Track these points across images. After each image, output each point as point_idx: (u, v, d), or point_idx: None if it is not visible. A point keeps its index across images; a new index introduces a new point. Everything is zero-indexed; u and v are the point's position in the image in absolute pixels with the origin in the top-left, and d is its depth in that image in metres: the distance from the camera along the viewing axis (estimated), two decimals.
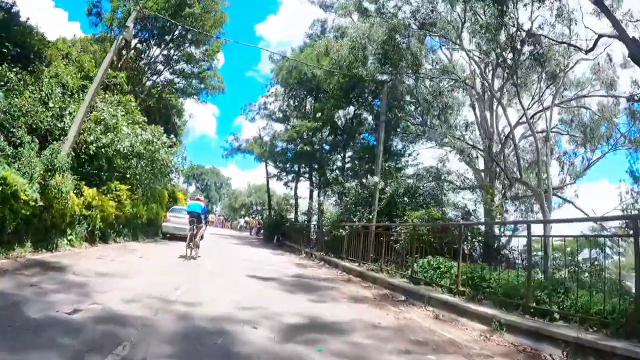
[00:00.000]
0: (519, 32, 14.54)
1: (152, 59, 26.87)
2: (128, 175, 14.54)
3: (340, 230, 12.51)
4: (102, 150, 12.81)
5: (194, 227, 11.06)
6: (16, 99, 10.43)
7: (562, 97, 18.00)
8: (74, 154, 11.40)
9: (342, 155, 22.83)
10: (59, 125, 11.79)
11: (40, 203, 7.79)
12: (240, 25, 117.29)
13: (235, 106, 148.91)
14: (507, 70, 15.30)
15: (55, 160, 9.17)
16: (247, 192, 51.76)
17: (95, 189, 11.97)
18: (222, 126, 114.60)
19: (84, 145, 12.53)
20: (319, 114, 21.10)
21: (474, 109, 20.79)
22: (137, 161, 14.48)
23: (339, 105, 21.71)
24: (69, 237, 9.80)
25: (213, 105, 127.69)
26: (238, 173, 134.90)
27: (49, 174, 8.76)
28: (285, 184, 28.92)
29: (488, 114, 18.46)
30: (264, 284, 7.64)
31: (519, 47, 14.06)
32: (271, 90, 27.34)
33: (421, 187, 14.84)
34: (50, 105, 11.69)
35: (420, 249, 9.33)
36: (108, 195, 12.54)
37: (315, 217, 26.26)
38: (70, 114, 12.29)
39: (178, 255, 11.11)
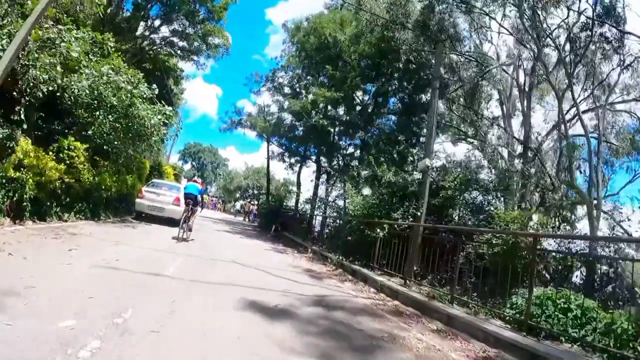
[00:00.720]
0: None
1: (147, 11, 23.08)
2: (90, 133, 10.85)
3: (377, 230, 8.89)
4: (59, 94, 9.25)
5: (190, 209, 10.58)
6: None
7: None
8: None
9: (361, 137, 19.11)
10: None
11: None
12: (249, 8, 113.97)
13: (239, 90, 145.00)
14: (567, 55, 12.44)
15: None
16: (244, 173, 47.89)
17: (34, 146, 8.39)
18: (224, 107, 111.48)
19: (30, 84, 8.85)
20: (339, 88, 17.34)
21: (505, 102, 17.48)
22: (104, 115, 10.78)
23: (364, 78, 17.96)
24: None
25: (217, 86, 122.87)
26: (236, 156, 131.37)
27: None
28: (290, 165, 25.24)
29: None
30: (271, 333, 4.04)
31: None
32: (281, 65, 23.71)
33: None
34: None
35: (517, 274, 5.87)
36: (49, 154, 8.89)
37: (320, 209, 22.78)
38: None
39: (128, 252, 7.50)
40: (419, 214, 9.19)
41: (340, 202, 20.19)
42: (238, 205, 38.49)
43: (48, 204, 8.87)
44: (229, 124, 26.33)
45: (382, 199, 10.07)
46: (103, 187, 11.51)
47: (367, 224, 9.75)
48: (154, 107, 12.05)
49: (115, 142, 11.51)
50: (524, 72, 17.50)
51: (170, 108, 12.07)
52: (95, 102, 10.45)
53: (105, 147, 11.44)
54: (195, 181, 11.63)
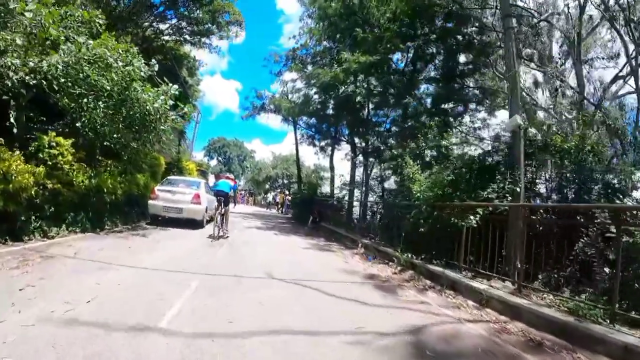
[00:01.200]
0: None
1: None
2: (80, 125, 8.77)
3: (466, 216, 6.33)
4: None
5: (222, 207, 10.00)
6: None
7: None
8: None
9: (403, 105, 16.39)
10: None
11: None
12: (259, 1, 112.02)
13: (259, 82, 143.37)
14: None
15: None
16: (272, 163, 45.83)
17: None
18: (245, 102, 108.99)
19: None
20: (373, 52, 14.62)
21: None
22: (94, 102, 8.65)
23: (401, 37, 15.14)
24: None
25: (236, 81, 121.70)
26: (262, 148, 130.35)
27: None
28: (321, 149, 22.82)
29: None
30: None
31: None
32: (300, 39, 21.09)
33: None
34: None
35: None
36: (15, 154, 6.81)
37: (358, 194, 20.34)
38: None
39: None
40: (517, 189, 6.56)
41: (386, 184, 17.71)
42: (270, 196, 36.28)
43: (24, 218, 6.82)
44: (251, 110, 24.14)
45: (458, 174, 7.46)
46: (105, 190, 9.45)
47: (441, 208, 7.22)
48: (157, 90, 9.83)
49: (115, 135, 9.40)
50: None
51: (176, 86, 9.75)
52: (82, 86, 8.32)
53: (102, 142, 9.37)
54: (227, 177, 11.31)
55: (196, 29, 22.97)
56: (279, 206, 32.59)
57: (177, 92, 9.78)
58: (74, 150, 8.38)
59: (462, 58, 16.81)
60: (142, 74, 9.13)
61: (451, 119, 17.54)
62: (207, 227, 11.95)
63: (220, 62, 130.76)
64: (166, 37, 24.84)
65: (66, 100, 8.55)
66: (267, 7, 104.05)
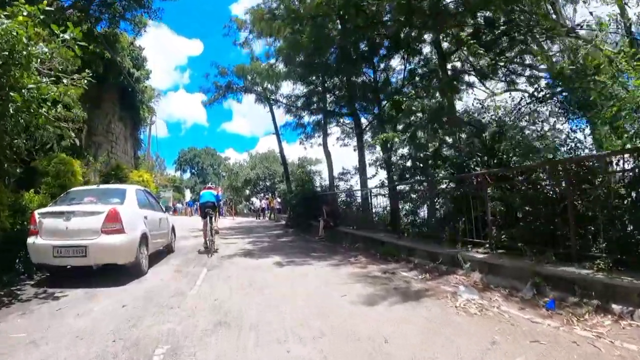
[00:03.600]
0: None
1: None
2: None
3: None
4: None
5: (209, 220, 9.30)
6: None
7: None
8: None
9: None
10: None
11: None
12: (213, 11, 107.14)
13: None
14: None
15: None
16: (250, 164, 39.56)
17: None
18: (212, 112, 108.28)
19: None
20: None
21: None
22: None
23: None
24: None
25: (201, 94, 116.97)
26: (236, 156, 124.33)
27: None
28: (312, 130, 17.25)
29: None
30: None
31: None
32: None
33: None
34: None
35: None
36: None
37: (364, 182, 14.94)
38: None
39: None
40: None
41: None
42: (257, 202, 29.82)
43: None
44: (214, 93, 18.28)
45: None
46: None
47: None
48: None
49: None
50: None
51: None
52: None
53: None
54: (209, 188, 10.84)
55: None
56: (271, 213, 26.48)
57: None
58: None
59: None
60: None
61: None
62: (154, 274, 6.36)
63: (182, 76, 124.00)
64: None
65: None
66: (222, 17, 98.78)
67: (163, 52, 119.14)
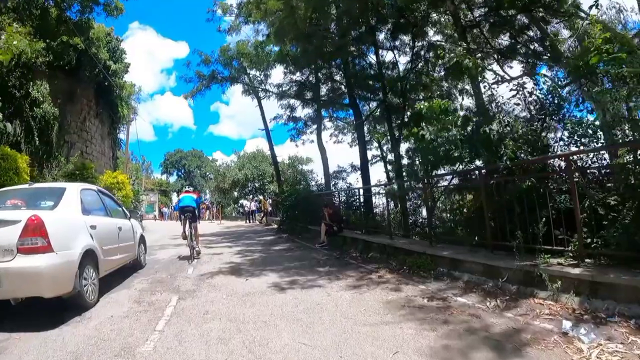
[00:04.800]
0: None
1: None
2: None
3: None
4: None
5: (190, 225, 8.79)
6: None
7: None
8: None
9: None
10: None
11: None
12: (197, 19, 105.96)
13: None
14: None
15: None
16: (237, 164, 37.42)
17: None
18: (199, 115, 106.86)
19: None
20: None
21: None
22: None
23: None
24: None
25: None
26: (224, 158, 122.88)
27: None
28: (311, 117, 15.62)
29: None
30: None
31: None
32: None
33: None
34: None
35: None
36: None
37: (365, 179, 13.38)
38: None
39: None
40: None
41: None
42: (248, 205, 27.33)
43: None
44: (197, 84, 16.47)
45: None
46: None
47: None
48: None
49: None
50: None
51: None
52: None
53: None
54: (187, 192, 9.86)
55: None
56: (263, 215, 24.34)
57: None
58: None
59: None
60: None
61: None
62: (105, 306, 4.60)
63: (169, 79, 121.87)
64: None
65: None
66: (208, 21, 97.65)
67: (149, 54, 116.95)
